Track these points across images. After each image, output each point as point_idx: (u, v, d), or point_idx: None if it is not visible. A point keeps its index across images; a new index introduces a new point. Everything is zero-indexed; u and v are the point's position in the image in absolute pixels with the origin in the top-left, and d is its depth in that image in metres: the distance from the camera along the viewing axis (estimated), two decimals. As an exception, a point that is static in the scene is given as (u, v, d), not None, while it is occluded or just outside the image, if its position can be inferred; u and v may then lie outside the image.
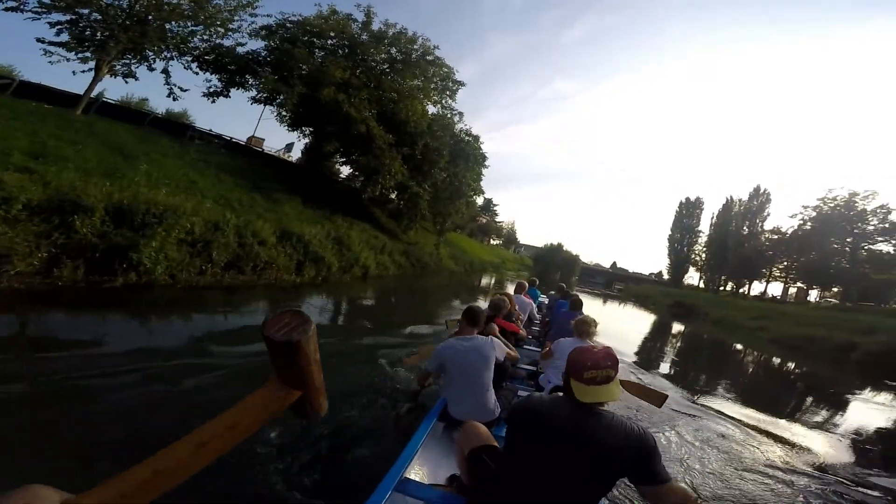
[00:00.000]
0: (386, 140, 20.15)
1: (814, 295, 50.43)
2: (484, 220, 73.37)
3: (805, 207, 49.24)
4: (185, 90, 20.48)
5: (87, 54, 16.15)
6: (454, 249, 33.41)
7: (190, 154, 16.50)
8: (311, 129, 22.15)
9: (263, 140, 39.63)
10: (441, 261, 23.65)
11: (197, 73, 20.20)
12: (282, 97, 19.16)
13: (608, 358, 1.79)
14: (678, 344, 17.26)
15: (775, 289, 55.21)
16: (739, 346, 18.46)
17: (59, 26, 15.59)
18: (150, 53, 18.56)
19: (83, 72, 16.95)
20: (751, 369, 13.63)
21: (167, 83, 19.80)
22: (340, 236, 14.29)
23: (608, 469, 1.68)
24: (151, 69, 19.44)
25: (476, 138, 29.05)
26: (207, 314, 7.06)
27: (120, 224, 7.57)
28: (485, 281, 31.34)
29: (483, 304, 4.73)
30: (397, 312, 10.96)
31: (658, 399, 3.93)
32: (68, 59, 15.90)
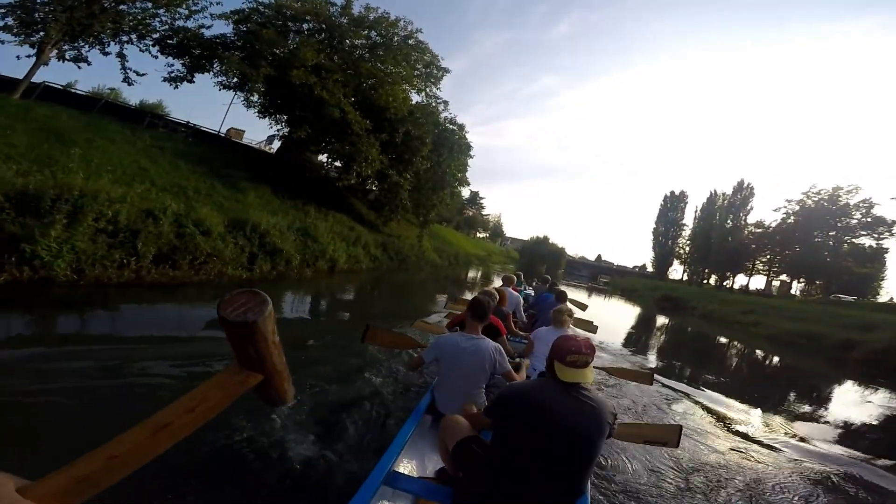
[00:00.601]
0: (363, 126, 18.69)
1: (796, 288, 50.43)
2: (470, 213, 72.29)
3: (789, 201, 49.12)
4: (142, 74, 18.93)
5: (33, 37, 14.82)
6: (439, 242, 32.13)
7: (144, 141, 15.06)
8: (284, 116, 20.52)
9: (244, 132, 37.82)
10: (424, 254, 22.29)
11: (156, 58, 18.59)
12: (249, 82, 17.49)
13: (588, 347, 2.01)
14: (669, 339, 16.32)
15: (758, 282, 55.32)
16: (737, 344, 17.55)
17: (2, 10, 14.30)
18: (104, 36, 16.96)
19: (28, 56, 15.47)
20: (753, 368, 12.67)
21: (123, 68, 18.33)
22: (307, 227, 12.89)
23: (595, 438, 1.86)
24: (105, 53, 17.91)
25: (461, 127, 27.67)
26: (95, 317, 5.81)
27: (23, 212, 6.19)
28: (471, 274, 30.52)
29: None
30: (358, 315, 9.66)
31: (647, 378, 4.44)
32: (3, 42, 14.53)
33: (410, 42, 22.97)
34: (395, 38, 22.30)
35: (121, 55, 18.12)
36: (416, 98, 25.97)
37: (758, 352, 16.15)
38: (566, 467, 1.85)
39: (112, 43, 17.63)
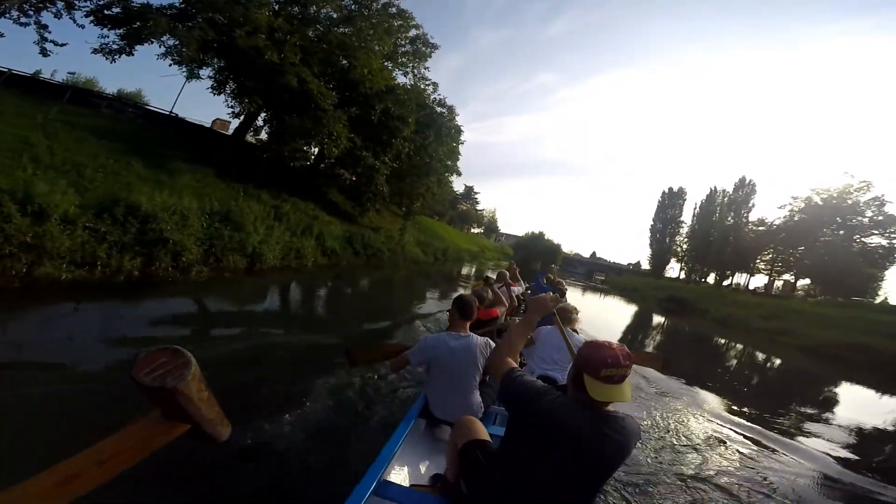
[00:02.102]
0: (329, 98, 15.29)
1: (799, 288, 47.45)
2: (464, 208, 69.11)
3: (795, 198, 45.89)
4: (62, 45, 15.54)
5: None
6: (428, 236, 28.78)
7: (50, 115, 11.87)
8: (235, 88, 17.05)
9: (230, 123, 34.30)
10: (404, 248, 18.80)
11: (82, 27, 15.22)
12: (183, 47, 13.98)
13: (627, 357, 1.58)
14: (693, 352, 13.10)
15: (757, 281, 52.28)
16: (776, 359, 14.32)
17: None
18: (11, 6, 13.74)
19: None
20: (825, 400, 9.41)
21: (42, 39, 15.01)
22: (230, 212, 9.53)
23: (612, 469, 1.64)
24: (21, 24, 14.65)
25: (451, 109, 24.25)
26: None
27: None
28: (465, 270, 27.62)
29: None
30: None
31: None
32: None
33: (392, 10, 19.51)
34: (374, 5, 18.75)
35: (40, 25, 14.96)
36: (402, 79, 22.68)
37: (808, 370, 12.97)
38: (576, 493, 1.59)
39: (26, 14, 14.48)
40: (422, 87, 23.58)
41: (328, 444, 3.15)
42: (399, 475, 2.38)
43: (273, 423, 3.26)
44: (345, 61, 17.63)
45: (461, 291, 11.11)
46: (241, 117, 17.75)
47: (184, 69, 15.61)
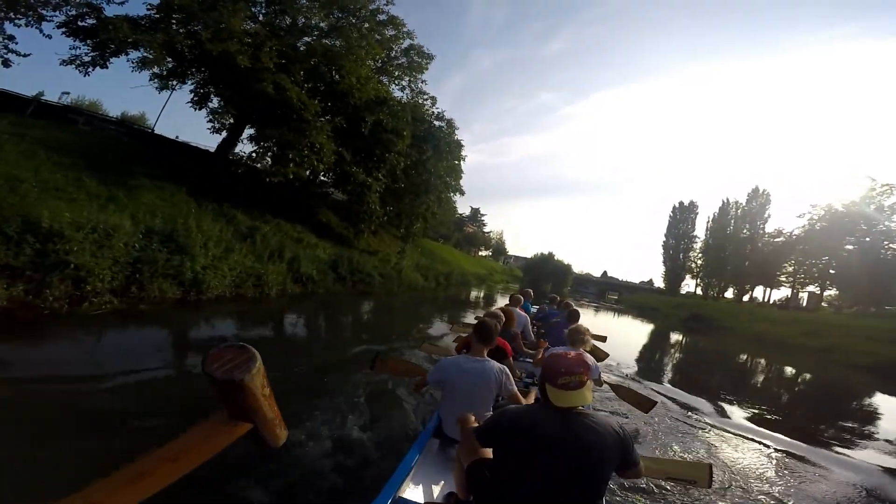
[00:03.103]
0: (312, 108, 13.84)
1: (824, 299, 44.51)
2: (471, 230, 67.47)
3: (814, 206, 43.51)
4: (26, 55, 14.51)
5: None
6: (431, 260, 26.99)
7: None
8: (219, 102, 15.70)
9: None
10: (401, 273, 16.88)
11: (49, 37, 14.20)
12: (148, 52, 12.72)
13: (580, 364, 1.75)
14: (740, 379, 10.92)
15: (777, 294, 49.31)
16: (838, 382, 12.07)
17: None
18: None
19: None
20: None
21: (7, 50, 14.12)
22: (174, 231, 7.83)
23: (600, 469, 1.67)
24: None
25: (450, 122, 22.79)
26: None
27: None
28: (473, 294, 26.20)
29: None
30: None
31: (647, 405, 4.14)
32: None
33: (381, 17, 18.32)
34: (362, 12, 17.51)
35: (7, 36, 14.04)
36: (398, 93, 21.38)
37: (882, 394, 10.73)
38: (568, 496, 1.63)
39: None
40: (419, 101, 22.32)
41: (344, 459, 3.17)
42: (414, 493, 2.39)
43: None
44: (332, 72, 16.27)
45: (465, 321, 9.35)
46: (224, 133, 16.37)
47: (154, 78, 14.45)
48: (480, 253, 73.95)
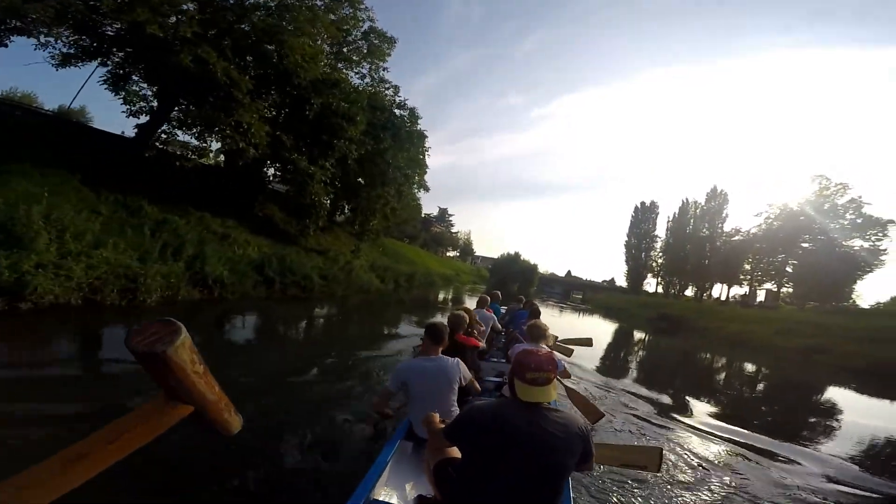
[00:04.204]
0: (244, 86, 11.43)
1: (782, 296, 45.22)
2: (438, 230, 65.59)
3: (770, 205, 44.18)
4: None
5: None
6: (396, 260, 24.72)
7: None
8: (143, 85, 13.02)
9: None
10: (351, 274, 14.47)
11: None
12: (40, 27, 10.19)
13: (549, 362, 1.78)
14: (731, 391, 9.33)
15: (735, 292, 49.88)
16: (839, 392, 10.75)
17: None
18: None
19: None
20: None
21: None
22: (13, 218, 5.42)
23: (565, 463, 1.69)
24: None
25: (412, 111, 20.63)
26: None
27: None
28: (441, 296, 24.72)
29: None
30: None
31: (595, 416, 4.35)
32: None
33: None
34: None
35: None
36: (356, 81, 19.12)
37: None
38: (536, 491, 1.65)
39: None
40: (380, 89, 20.12)
41: (314, 461, 3.15)
42: (386, 494, 2.38)
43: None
44: (275, 50, 13.81)
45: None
46: (144, 117, 13.61)
47: (62, 58, 11.82)
48: (448, 254, 72.20)
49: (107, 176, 10.92)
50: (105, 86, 13.14)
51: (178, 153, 11.91)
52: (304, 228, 15.28)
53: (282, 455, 3.17)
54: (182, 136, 13.14)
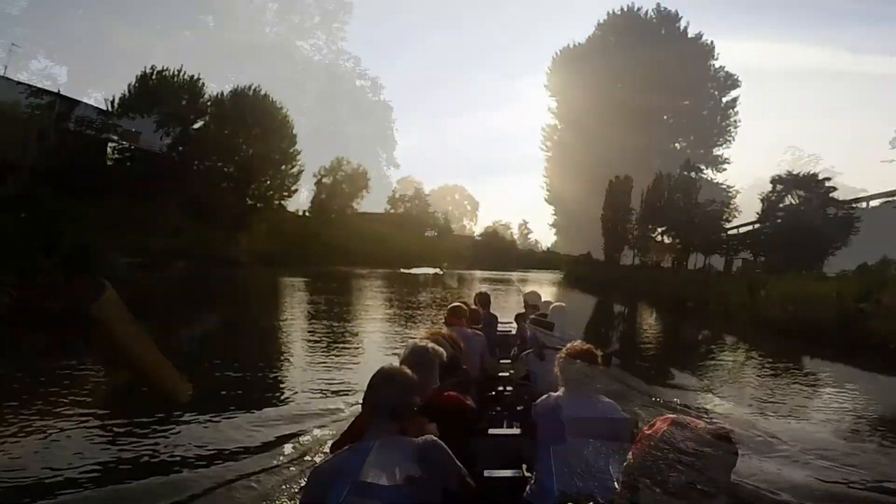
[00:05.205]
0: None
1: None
2: (414, 211, 64.08)
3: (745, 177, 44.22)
4: None
5: None
6: (352, 239, 22.84)
7: None
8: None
9: None
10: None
11: None
12: None
13: None
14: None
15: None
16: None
17: None
18: None
19: None
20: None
21: None
22: None
23: None
24: None
25: (374, 81, 19.75)
26: None
27: None
28: (407, 287, 22.30)
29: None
30: None
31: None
32: None
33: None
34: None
35: None
36: (306, 48, 16.93)
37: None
38: None
39: None
40: (340, 61, 18.01)
41: None
42: None
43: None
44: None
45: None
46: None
47: None
48: (427, 234, 70.66)
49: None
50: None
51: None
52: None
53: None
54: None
